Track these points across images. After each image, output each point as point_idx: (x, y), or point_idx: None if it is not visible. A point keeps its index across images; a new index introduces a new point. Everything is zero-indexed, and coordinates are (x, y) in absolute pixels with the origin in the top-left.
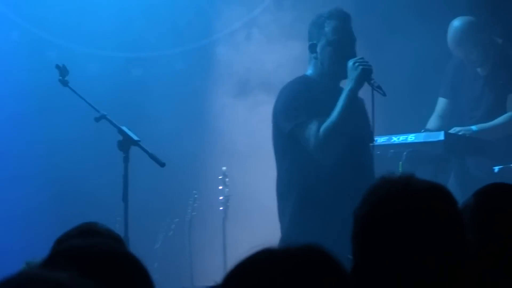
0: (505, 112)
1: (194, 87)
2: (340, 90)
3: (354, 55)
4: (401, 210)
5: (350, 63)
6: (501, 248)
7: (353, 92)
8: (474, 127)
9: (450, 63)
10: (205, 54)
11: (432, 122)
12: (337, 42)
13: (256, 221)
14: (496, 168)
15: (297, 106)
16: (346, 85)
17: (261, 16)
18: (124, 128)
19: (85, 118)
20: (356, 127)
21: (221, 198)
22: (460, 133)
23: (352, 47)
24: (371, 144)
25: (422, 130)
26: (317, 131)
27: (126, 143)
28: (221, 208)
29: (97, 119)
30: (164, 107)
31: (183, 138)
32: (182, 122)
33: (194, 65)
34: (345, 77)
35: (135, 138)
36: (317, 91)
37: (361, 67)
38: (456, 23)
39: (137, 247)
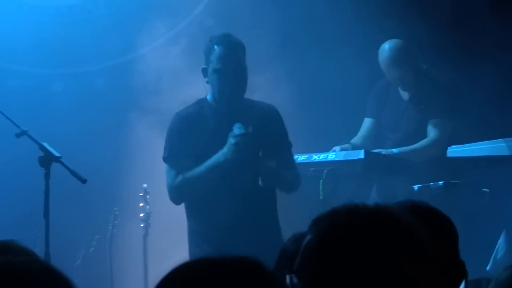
0: (425, 137)
1: (115, 104)
2: (237, 112)
3: (238, 85)
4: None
5: (234, 129)
6: None
7: (225, 160)
8: (395, 150)
9: (376, 84)
10: (125, 71)
11: (355, 141)
12: (221, 71)
13: (177, 238)
14: (416, 187)
15: (172, 139)
16: (223, 148)
17: (183, 33)
18: (45, 144)
19: (5, 134)
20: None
21: (141, 215)
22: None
23: (237, 76)
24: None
25: (343, 143)
26: (175, 175)
27: (47, 159)
28: (142, 225)
29: (18, 135)
30: (85, 123)
31: (104, 154)
32: (103, 138)
33: (115, 81)
34: (237, 102)
35: (56, 154)
36: (210, 116)
37: (233, 146)
38: (390, 44)
39: (58, 263)
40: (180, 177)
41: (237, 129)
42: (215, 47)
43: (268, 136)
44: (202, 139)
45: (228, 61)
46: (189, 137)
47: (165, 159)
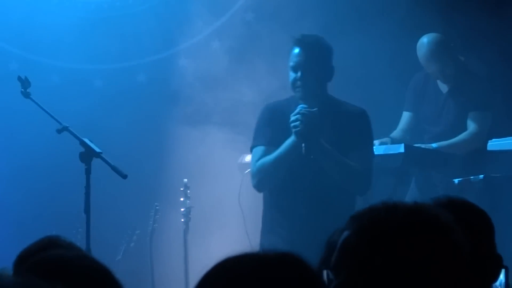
0: (465, 130)
1: (155, 99)
2: (319, 108)
3: (306, 81)
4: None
5: (297, 108)
6: None
7: (294, 145)
8: (434, 145)
9: (414, 77)
10: (166, 66)
11: (395, 134)
12: (292, 68)
13: (217, 232)
14: (456, 181)
15: (257, 129)
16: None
17: (224, 28)
18: (86, 140)
19: (46, 129)
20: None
21: (182, 209)
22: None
23: (305, 73)
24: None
25: (382, 137)
26: (256, 161)
27: (88, 155)
28: (182, 219)
29: (59, 131)
30: (126, 118)
31: (145, 149)
32: (143, 133)
33: (156, 76)
34: (312, 98)
35: (97, 150)
36: (294, 110)
37: (292, 125)
38: (429, 38)
39: (99, 258)
40: (258, 163)
41: (298, 109)
42: (293, 46)
43: (344, 134)
44: (285, 130)
45: (298, 58)
46: (271, 127)
47: (250, 148)
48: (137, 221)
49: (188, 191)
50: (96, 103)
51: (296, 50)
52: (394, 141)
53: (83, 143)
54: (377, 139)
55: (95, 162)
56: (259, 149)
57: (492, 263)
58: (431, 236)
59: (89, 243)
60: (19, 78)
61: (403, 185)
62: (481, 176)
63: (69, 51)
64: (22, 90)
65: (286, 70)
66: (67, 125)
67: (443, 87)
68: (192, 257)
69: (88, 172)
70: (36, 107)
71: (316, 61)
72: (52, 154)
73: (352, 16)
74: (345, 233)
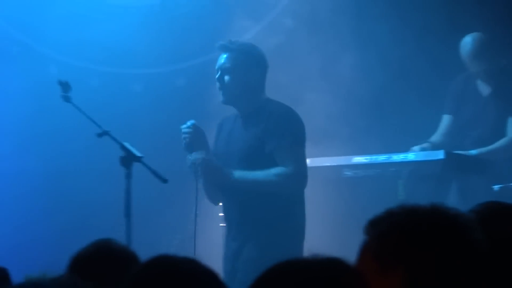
0: (504, 135)
1: (194, 103)
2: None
3: (218, 86)
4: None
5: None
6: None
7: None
8: (473, 152)
9: (454, 81)
10: (205, 70)
11: (435, 138)
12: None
13: None
14: (496, 187)
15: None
16: None
17: (263, 32)
18: (127, 144)
19: (86, 134)
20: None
21: (221, 214)
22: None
23: (220, 81)
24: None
25: (422, 142)
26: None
27: (128, 159)
28: (221, 224)
29: (99, 135)
30: (165, 122)
31: (184, 154)
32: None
33: (195, 81)
34: (231, 105)
35: (138, 154)
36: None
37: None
38: (473, 37)
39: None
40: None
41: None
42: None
43: (266, 135)
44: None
45: (219, 62)
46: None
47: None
48: (177, 226)
49: None
50: (136, 107)
51: (221, 55)
52: (434, 146)
53: (123, 147)
54: (418, 144)
55: (135, 166)
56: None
57: None
58: (451, 237)
59: (130, 247)
60: (60, 82)
61: (443, 190)
62: None
63: (109, 55)
64: (63, 94)
65: (321, 75)
66: (108, 130)
67: (484, 90)
68: None
69: (128, 176)
70: (74, 111)
71: (235, 66)
72: (92, 158)
73: (390, 21)
74: (365, 238)
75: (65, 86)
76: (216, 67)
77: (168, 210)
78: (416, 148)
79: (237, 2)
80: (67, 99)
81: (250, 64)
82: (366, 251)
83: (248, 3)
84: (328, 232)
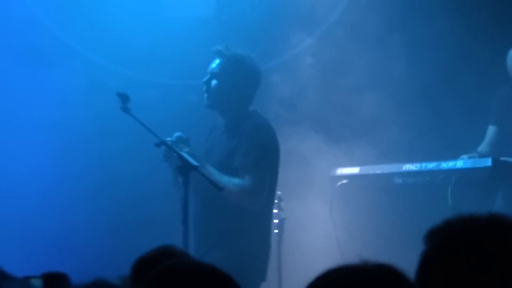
0: None
1: None
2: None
3: (204, 89)
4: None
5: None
6: None
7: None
8: None
9: (499, 91)
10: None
11: (482, 148)
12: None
13: (310, 244)
14: None
15: None
16: None
17: (316, 44)
18: (184, 154)
19: (145, 144)
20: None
21: (276, 221)
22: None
23: (207, 87)
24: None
25: (471, 151)
26: None
27: (185, 168)
28: (276, 231)
29: (157, 145)
30: None
31: None
32: None
33: None
34: (219, 112)
35: (195, 163)
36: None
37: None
38: None
39: None
40: None
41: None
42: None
43: (236, 149)
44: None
45: (210, 66)
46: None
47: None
48: None
49: (282, 203)
50: (191, 117)
51: (214, 59)
52: (481, 156)
53: (180, 157)
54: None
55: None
56: None
57: None
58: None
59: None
60: (119, 94)
61: (491, 198)
62: None
63: (165, 66)
64: (122, 105)
65: (372, 87)
66: (166, 139)
67: None
68: (285, 267)
69: (186, 185)
70: (133, 121)
71: (224, 72)
72: (149, 167)
73: (445, 35)
74: (425, 249)
75: (124, 98)
76: (207, 70)
77: None
78: (464, 156)
79: (290, 14)
80: (126, 110)
81: (239, 73)
82: (427, 261)
83: (300, 14)
84: (379, 239)
